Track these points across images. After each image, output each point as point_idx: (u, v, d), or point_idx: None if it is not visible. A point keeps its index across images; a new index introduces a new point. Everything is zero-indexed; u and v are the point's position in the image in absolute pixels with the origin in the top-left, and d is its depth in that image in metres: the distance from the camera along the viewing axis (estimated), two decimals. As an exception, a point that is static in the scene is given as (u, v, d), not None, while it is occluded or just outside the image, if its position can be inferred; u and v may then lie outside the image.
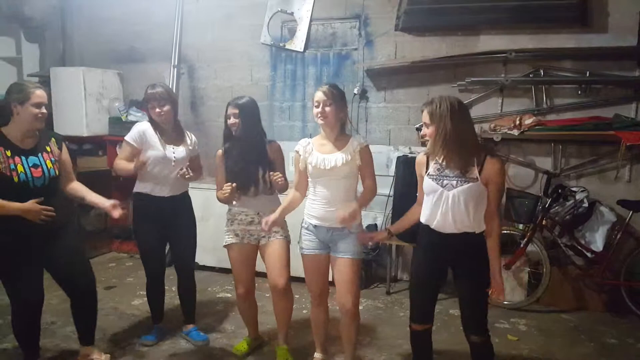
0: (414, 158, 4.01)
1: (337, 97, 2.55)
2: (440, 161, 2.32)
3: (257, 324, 3.17)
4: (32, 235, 2.56)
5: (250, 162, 2.82)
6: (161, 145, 2.99)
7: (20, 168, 2.49)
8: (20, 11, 4.92)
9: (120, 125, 4.85)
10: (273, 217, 2.69)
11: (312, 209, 2.63)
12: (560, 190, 3.81)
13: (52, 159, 2.64)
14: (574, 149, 4.05)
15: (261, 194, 2.84)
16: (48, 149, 2.65)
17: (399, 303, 3.95)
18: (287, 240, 2.89)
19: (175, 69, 4.83)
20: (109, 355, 2.95)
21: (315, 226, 2.63)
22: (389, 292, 4.16)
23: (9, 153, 2.48)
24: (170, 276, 4.14)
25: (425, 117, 2.30)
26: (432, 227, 2.36)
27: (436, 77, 4.30)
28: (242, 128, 2.82)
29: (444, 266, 2.44)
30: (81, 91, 4.72)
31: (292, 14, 4.64)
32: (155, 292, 3.23)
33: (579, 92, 3.98)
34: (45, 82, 4.95)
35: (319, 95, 2.55)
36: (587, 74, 3.94)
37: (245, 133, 2.83)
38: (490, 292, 2.32)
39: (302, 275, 2.74)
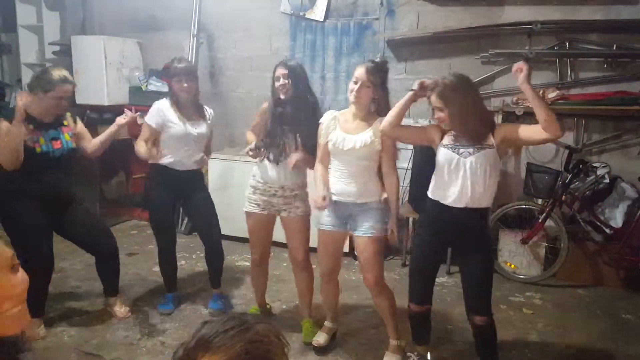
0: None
1: (378, 79, 2.42)
2: (455, 133, 2.31)
3: (264, 293, 3.20)
4: (43, 198, 2.76)
5: (289, 130, 2.68)
6: (181, 121, 2.98)
7: (42, 140, 2.72)
8: (41, -23, 4.91)
9: (141, 95, 4.88)
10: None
11: (332, 183, 2.58)
12: (581, 166, 3.77)
13: (70, 132, 2.87)
14: (597, 124, 3.98)
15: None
16: (65, 123, 2.86)
17: (415, 275, 4.00)
18: (308, 214, 2.84)
19: (195, 38, 4.80)
20: (128, 308, 3.18)
21: (335, 202, 2.57)
22: (404, 263, 4.20)
23: (32, 127, 2.69)
24: (191, 244, 4.23)
25: (437, 102, 2.24)
26: (444, 202, 2.31)
27: (459, 49, 4.22)
28: (292, 91, 2.64)
29: (445, 247, 2.43)
30: (102, 60, 4.72)
31: (312, -18, 4.55)
32: (166, 262, 3.27)
33: (605, 65, 3.89)
34: (66, 50, 4.99)
35: (360, 73, 2.41)
36: (614, 47, 3.84)
37: (296, 96, 2.65)
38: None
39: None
